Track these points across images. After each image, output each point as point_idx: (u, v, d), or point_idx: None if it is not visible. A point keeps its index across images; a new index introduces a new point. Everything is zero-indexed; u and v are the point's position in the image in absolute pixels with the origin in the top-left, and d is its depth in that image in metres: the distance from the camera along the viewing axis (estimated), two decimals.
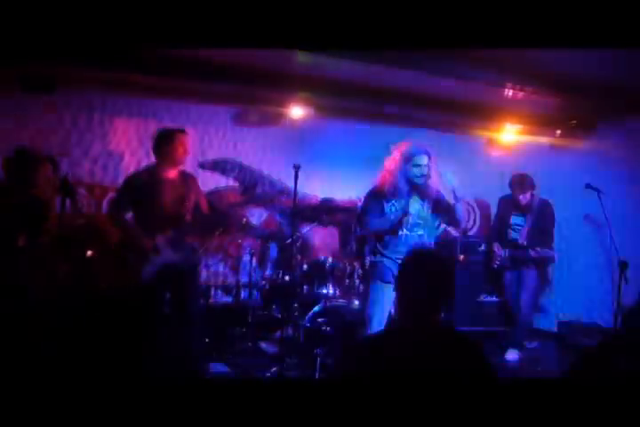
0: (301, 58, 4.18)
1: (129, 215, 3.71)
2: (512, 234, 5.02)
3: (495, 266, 5.02)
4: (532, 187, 5.00)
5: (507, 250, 4.95)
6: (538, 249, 4.71)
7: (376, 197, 3.48)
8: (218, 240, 4.75)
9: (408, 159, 3.39)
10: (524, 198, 4.97)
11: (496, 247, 5.00)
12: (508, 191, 5.25)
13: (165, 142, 3.63)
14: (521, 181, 4.99)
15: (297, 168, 3.63)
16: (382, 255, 3.48)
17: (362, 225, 3.55)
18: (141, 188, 3.60)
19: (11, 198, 3.09)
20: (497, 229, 5.19)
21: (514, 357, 4.94)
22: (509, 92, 4.82)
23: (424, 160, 3.40)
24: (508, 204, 5.10)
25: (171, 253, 3.60)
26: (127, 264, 3.54)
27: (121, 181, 4.85)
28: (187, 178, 3.80)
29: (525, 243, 4.86)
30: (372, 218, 3.47)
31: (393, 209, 3.41)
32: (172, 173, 3.70)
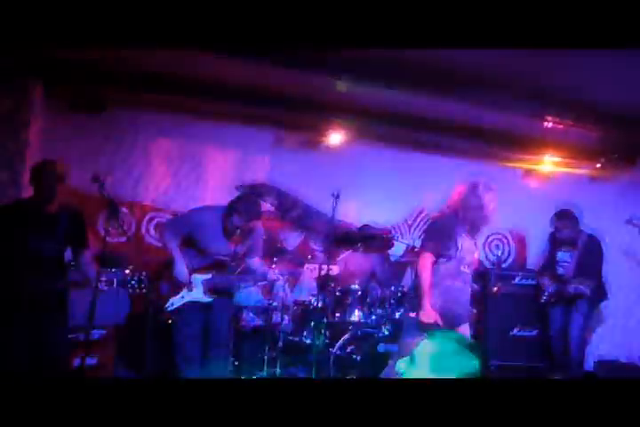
0: (341, 85, 4.25)
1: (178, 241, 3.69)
2: (559, 270, 4.95)
3: (543, 300, 4.93)
4: (576, 222, 4.91)
5: (554, 285, 4.86)
6: (578, 284, 4.60)
7: (449, 224, 3.42)
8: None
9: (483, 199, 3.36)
10: (566, 234, 4.90)
11: (545, 281, 4.93)
12: (545, 222, 5.17)
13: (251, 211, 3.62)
14: (560, 217, 4.92)
15: (336, 197, 3.65)
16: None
17: (431, 241, 3.44)
18: (202, 227, 3.61)
19: (41, 210, 3.12)
20: (545, 264, 5.12)
21: None
22: (550, 124, 4.79)
23: (490, 195, 3.40)
24: (555, 239, 5.03)
25: (200, 293, 3.62)
26: (158, 292, 3.59)
27: (161, 201, 5.01)
28: (252, 234, 3.75)
29: (572, 279, 4.77)
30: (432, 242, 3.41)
31: (459, 241, 3.36)
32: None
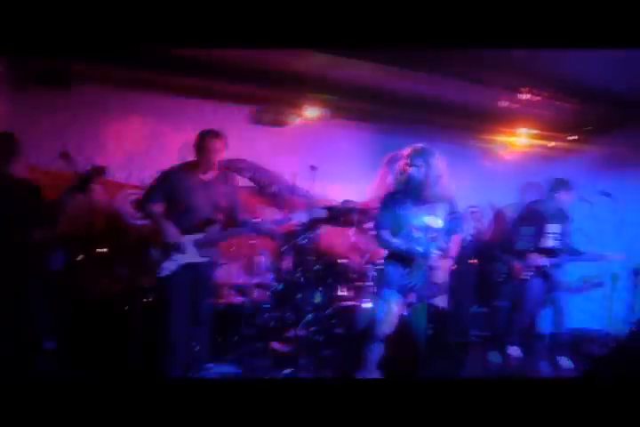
0: (317, 59, 4.18)
1: (160, 209, 3.63)
2: (547, 242, 4.74)
3: (528, 276, 4.68)
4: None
5: (546, 259, 4.66)
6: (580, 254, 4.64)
7: (388, 199, 3.43)
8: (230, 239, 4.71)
9: (412, 160, 3.32)
10: (561, 204, 4.77)
11: (536, 257, 4.67)
12: (515, 198, 5.18)
13: (200, 143, 3.57)
14: (564, 184, 4.75)
15: (314, 169, 3.60)
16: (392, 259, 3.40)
17: (377, 227, 3.48)
18: (177, 184, 3.55)
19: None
20: (530, 236, 4.78)
21: (517, 353, 4.79)
22: (524, 97, 4.80)
23: (432, 160, 3.34)
24: (541, 211, 4.81)
25: (194, 253, 3.55)
26: (147, 259, 3.50)
27: (134, 178, 4.90)
28: (226, 180, 3.72)
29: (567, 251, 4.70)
30: (384, 218, 3.42)
31: (405, 211, 3.36)
32: (209, 175, 3.63)
